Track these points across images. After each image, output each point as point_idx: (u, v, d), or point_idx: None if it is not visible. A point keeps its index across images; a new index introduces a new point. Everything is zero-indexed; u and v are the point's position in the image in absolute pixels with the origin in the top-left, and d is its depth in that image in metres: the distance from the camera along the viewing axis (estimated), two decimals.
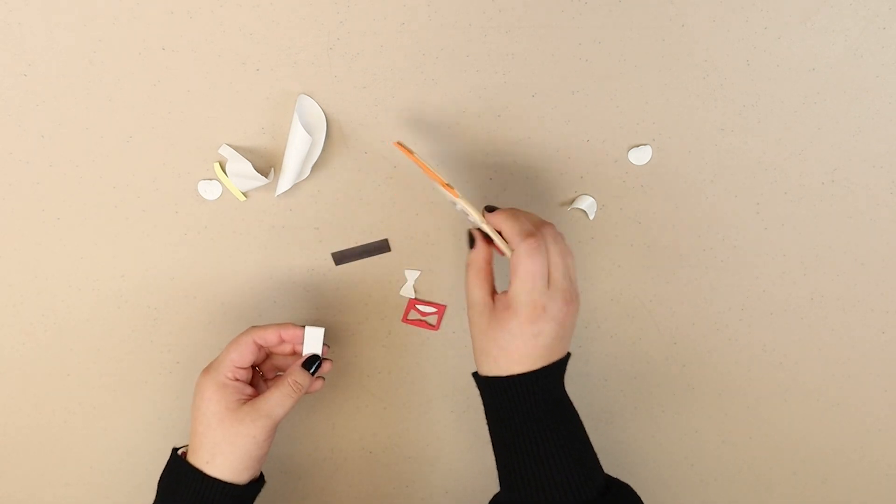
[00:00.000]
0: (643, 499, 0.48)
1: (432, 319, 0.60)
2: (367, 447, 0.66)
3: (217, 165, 0.53)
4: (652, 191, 0.55)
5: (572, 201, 0.56)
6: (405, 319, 0.60)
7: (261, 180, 0.52)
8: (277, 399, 0.50)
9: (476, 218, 0.48)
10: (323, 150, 0.52)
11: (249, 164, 0.51)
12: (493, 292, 0.48)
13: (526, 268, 0.45)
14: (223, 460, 0.48)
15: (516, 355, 0.46)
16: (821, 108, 0.52)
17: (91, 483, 0.66)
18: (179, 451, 0.52)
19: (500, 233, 0.47)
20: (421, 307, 0.60)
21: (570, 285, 0.47)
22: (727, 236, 0.57)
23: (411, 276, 0.58)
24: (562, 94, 0.51)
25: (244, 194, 0.54)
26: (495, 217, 0.48)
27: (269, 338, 0.51)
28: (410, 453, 0.66)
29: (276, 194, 0.53)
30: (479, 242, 0.49)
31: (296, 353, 0.53)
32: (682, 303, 0.60)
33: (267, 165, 0.54)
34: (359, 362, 0.62)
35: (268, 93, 0.51)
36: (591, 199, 0.55)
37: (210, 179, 0.54)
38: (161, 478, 0.52)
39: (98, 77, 0.50)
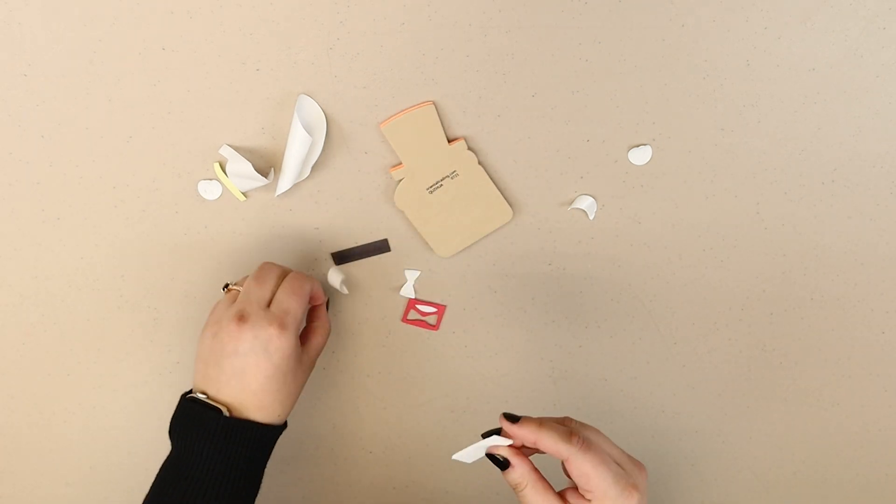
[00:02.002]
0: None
1: (432, 319, 0.60)
2: (367, 447, 0.66)
3: (217, 165, 0.53)
4: (652, 191, 0.55)
5: (572, 201, 0.56)
6: (405, 319, 0.60)
7: (261, 180, 0.52)
8: (319, 345, 0.53)
9: (502, 439, 0.46)
10: (323, 150, 0.52)
11: (249, 165, 0.51)
12: (562, 499, 0.45)
13: (595, 461, 0.43)
14: (282, 410, 0.49)
15: None
16: (821, 108, 0.52)
17: (91, 483, 0.66)
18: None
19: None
20: (421, 307, 0.60)
21: (628, 455, 0.46)
22: (727, 236, 0.57)
23: (411, 276, 0.58)
24: (562, 94, 0.51)
25: (244, 194, 0.54)
26: (524, 429, 0.45)
27: (317, 294, 0.53)
28: (410, 453, 0.66)
29: (276, 194, 0.53)
30: (517, 458, 0.45)
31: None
32: (682, 303, 0.60)
33: (267, 165, 0.54)
34: (359, 362, 0.62)
35: (268, 93, 0.51)
36: (591, 199, 0.55)
37: (210, 179, 0.54)
38: (196, 431, 0.47)
39: (98, 77, 0.50)
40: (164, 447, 0.50)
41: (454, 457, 0.46)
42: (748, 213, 0.56)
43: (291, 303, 0.48)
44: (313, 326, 0.54)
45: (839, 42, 0.50)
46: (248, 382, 0.47)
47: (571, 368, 0.63)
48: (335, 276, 0.57)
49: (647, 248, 0.58)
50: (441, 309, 0.60)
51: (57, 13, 0.48)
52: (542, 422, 0.45)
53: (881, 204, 0.56)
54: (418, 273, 0.58)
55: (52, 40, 0.49)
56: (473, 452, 0.46)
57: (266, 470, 0.52)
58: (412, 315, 0.60)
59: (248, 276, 0.51)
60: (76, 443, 0.64)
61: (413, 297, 0.59)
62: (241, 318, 0.47)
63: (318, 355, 0.53)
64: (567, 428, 0.44)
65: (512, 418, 0.45)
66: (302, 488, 0.67)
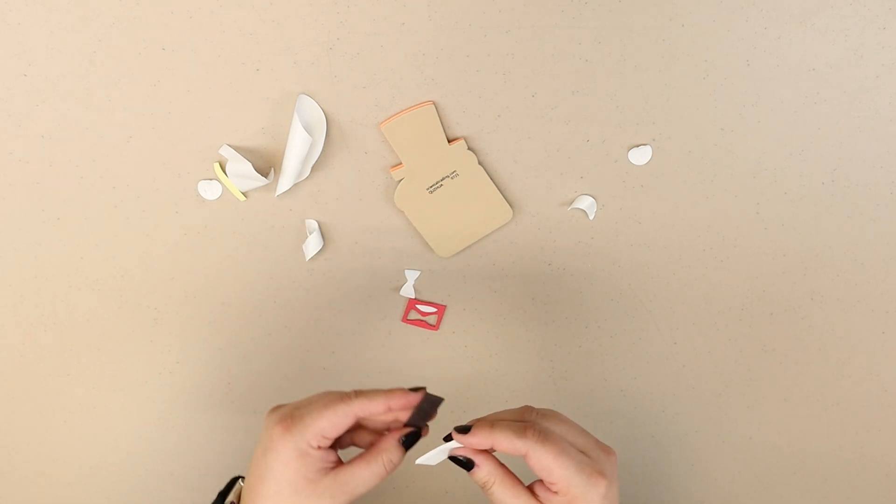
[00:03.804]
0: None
1: (432, 319, 0.60)
2: None
3: (217, 165, 0.53)
4: (652, 191, 0.55)
5: (572, 201, 0.56)
6: (405, 319, 0.60)
7: (261, 180, 0.52)
8: (365, 477, 0.43)
9: (455, 444, 0.44)
10: (323, 150, 0.52)
11: (249, 165, 0.51)
12: (531, 492, 0.43)
13: (554, 452, 0.40)
14: None
15: None
16: (821, 108, 0.52)
17: (91, 483, 0.66)
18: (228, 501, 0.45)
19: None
20: (421, 307, 0.60)
21: (595, 439, 0.44)
22: (727, 236, 0.57)
23: (411, 276, 0.58)
24: (562, 94, 0.51)
25: (244, 194, 0.54)
26: (477, 436, 0.42)
27: (374, 409, 0.43)
28: (410, 453, 0.66)
29: (276, 194, 0.53)
30: (480, 457, 0.43)
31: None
32: (682, 303, 0.60)
33: (267, 165, 0.54)
34: (359, 362, 0.62)
35: (268, 93, 0.51)
36: (591, 199, 0.55)
37: (210, 179, 0.54)
38: None
39: (98, 77, 0.50)
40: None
41: (418, 461, 0.44)
42: (748, 213, 0.56)
43: (311, 409, 0.42)
44: (364, 454, 0.45)
45: (839, 42, 0.50)
46: (256, 482, 0.43)
47: (571, 368, 0.63)
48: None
49: (647, 248, 0.58)
50: (441, 309, 0.60)
51: (57, 13, 0.48)
52: (494, 423, 0.42)
53: (881, 204, 0.56)
54: (418, 273, 0.58)
55: (52, 40, 0.49)
56: (436, 455, 0.44)
57: None
58: (412, 315, 0.60)
59: None
60: (76, 443, 0.64)
61: (413, 297, 0.59)
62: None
63: (358, 488, 0.43)
64: (522, 423, 0.42)
65: (463, 429, 0.43)
66: None
